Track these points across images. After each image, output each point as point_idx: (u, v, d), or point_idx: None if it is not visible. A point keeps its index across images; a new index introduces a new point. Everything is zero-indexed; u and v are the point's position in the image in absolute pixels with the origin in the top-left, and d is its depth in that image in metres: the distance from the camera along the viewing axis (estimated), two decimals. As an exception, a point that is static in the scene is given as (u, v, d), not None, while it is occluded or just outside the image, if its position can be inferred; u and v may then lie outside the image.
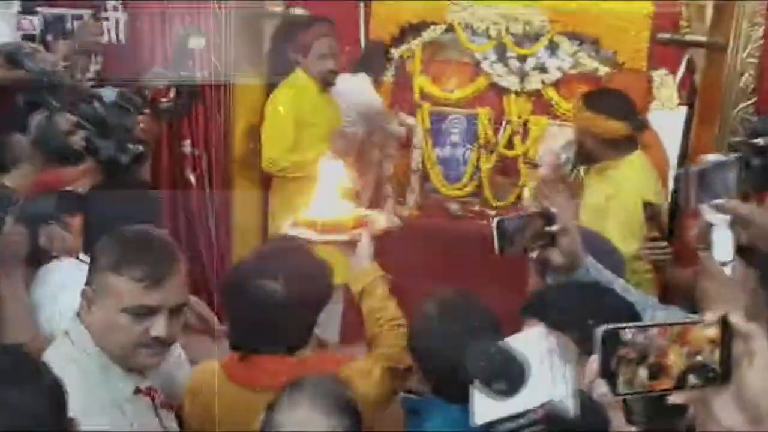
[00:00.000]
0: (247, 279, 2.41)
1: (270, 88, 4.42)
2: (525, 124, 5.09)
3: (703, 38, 3.90)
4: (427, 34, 5.05)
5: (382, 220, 2.79)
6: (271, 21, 4.35)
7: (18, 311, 2.50)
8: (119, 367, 2.12)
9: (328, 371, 2.30)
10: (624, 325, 1.30)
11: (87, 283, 2.11)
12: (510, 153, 5.12)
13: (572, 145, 4.91)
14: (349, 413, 1.99)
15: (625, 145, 3.54)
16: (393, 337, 2.52)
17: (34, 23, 4.07)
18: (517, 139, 5.11)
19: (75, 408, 1.93)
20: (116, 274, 2.04)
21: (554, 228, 2.11)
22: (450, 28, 5.01)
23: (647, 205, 3.47)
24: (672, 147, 4.34)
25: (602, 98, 3.68)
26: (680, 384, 1.26)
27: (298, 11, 4.37)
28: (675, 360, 1.29)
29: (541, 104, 5.05)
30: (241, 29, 4.11)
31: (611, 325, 1.29)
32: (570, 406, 1.30)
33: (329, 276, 2.53)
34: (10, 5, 3.82)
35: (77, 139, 2.71)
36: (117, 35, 4.12)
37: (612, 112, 3.52)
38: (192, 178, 4.24)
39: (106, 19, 4.13)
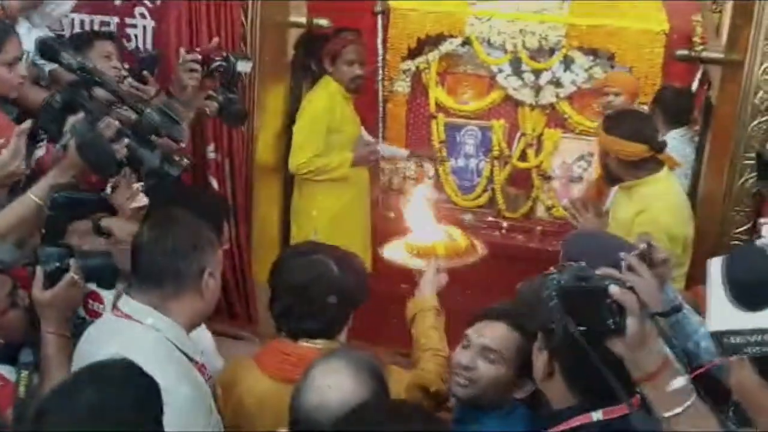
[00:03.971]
0: (308, 252, 2.60)
1: (293, 94, 4.53)
2: (539, 136, 5.15)
3: (719, 55, 3.97)
4: (444, 47, 5.11)
5: (475, 252, 3.10)
6: (295, 30, 4.41)
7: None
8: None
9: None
10: None
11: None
12: (523, 165, 5.19)
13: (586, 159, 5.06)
14: (378, 378, 2.08)
15: (649, 165, 3.58)
16: (431, 363, 2.66)
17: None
18: (530, 152, 5.18)
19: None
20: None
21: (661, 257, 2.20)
22: (467, 41, 5.08)
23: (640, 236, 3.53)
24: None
25: (622, 120, 3.68)
26: None
27: (322, 21, 4.44)
28: None
29: (554, 117, 5.13)
30: (266, 38, 4.17)
31: None
32: None
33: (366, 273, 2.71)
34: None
35: (120, 148, 2.53)
36: (144, 44, 4.21)
37: (631, 135, 3.54)
38: (214, 183, 4.30)
39: (134, 26, 4.21)
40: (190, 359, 2.34)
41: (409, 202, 3.43)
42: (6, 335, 2.55)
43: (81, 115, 2.56)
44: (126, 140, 2.55)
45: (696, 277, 3.45)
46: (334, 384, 2.03)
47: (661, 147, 3.59)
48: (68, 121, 2.57)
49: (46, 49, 2.71)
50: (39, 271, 2.40)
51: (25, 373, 2.44)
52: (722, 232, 3.89)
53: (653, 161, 3.57)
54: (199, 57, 3.35)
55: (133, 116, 2.66)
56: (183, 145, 2.77)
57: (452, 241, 3.23)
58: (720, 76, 3.99)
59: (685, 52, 4.17)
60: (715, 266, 1.41)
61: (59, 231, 2.55)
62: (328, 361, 2.09)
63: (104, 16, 4.23)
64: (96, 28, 4.19)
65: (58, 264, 2.38)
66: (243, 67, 3.38)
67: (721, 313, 1.27)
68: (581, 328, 1.79)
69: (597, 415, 2.03)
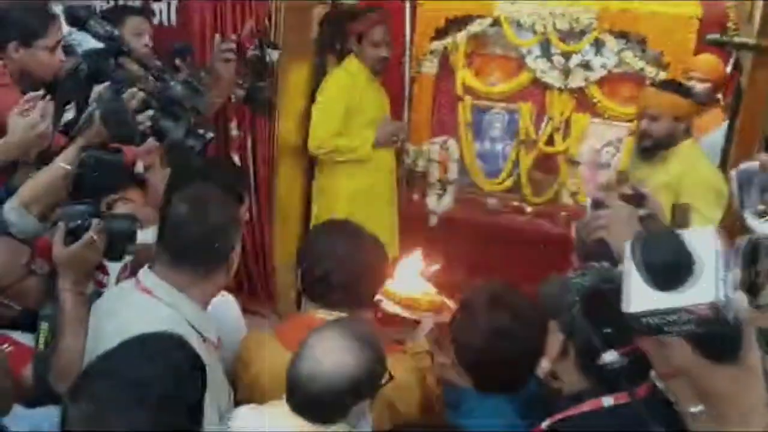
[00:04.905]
0: (338, 228, 2.78)
1: (317, 73, 4.50)
2: (567, 121, 5.07)
3: (751, 40, 3.87)
4: (473, 27, 5.04)
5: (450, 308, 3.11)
6: (320, 8, 4.38)
7: (73, 347, 2.43)
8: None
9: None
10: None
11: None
12: (550, 149, 5.11)
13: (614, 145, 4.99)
14: (373, 347, 2.15)
15: (687, 130, 4.00)
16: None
17: None
18: (558, 136, 5.09)
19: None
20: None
21: (643, 212, 2.19)
22: (496, 22, 5.00)
23: (676, 207, 3.55)
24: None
25: (674, 83, 4.15)
26: None
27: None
28: None
29: (583, 102, 5.03)
30: (290, 15, 4.15)
31: (753, 236, 1.30)
32: (731, 313, 1.27)
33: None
34: None
35: (144, 119, 2.58)
36: (168, 17, 4.20)
37: (688, 94, 4.01)
38: (236, 160, 4.30)
39: (159, 0, 4.20)
40: (204, 338, 2.35)
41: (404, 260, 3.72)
42: (22, 302, 2.62)
43: (106, 84, 2.59)
44: (150, 111, 2.57)
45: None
46: (328, 354, 2.09)
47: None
48: (94, 90, 2.61)
49: (75, 17, 2.74)
50: (61, 226, 2.42)
51: (45, 325, 2.51)
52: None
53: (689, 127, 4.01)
54: (234, 46, 3.35)
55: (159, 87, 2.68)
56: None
57: (432, 296, 3.40)
58: (751, 61, 3.90)
59: (715, 36, 4.08)
60: (628, 249, 1.41)
61: (86, 190, 2.58)
62: (323, 332, 2.16)
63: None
64: (121, 1, 4.18)
65: (80, 222, 2.41)
66: (271, 55, 3.39)
67: (638, 294, 1.30)
68: (607, 330, 1.79)
69: (608, 401, 2.01)
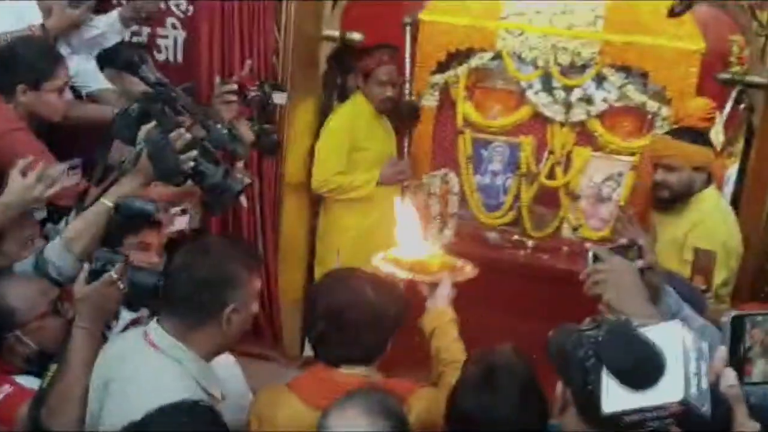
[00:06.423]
0: (343, 278, 2.64)
1: (324, 110, 4.47)
2: (568, 154, 5.04)
3: (763, 80, 3.90)
4: (474, 61, 5.01)
5: (468, 269, 2.91)
6: (327, 43, 4.36)
7: (73, 386, 2.44)
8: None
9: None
10: (752, 312, 1.32)
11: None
12: (551, 183, 5.08)
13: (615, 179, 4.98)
14: (395, 419, 2.09)
15: (706, 179, 3.82)
16: (454, 378, 2.57)
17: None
18: (558, 170, 5.06)
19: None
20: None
21: (641, 263, 2.17)
22: (497, 56, 4.98)
23: (698, 252, 3.53)
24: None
25: (688, 132, 3.93)
26: None
27: (355, 36, 4.38)
28: None
29: (584, 135, 5.01)
30: (298, 51, 4.12)
31: (739, 312, 1.31)
32: (705, 406, 1.27)
33: (405, 298, 2.70)
34: None
35: (186, 160, 2.65)
36: (175, 55, 4.15)
37: (706, 143, 3.84)
38: (243, 200, 4.23)
39: (165, 36, 4.15)
40: (209, 394, 2.37)
41: (400, 217, 3.30)
42: (39, 341, 2.67)
43: (153, 123, 2.66)
44: (193, 153, 2.65)
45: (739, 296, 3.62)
46: None
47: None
48: (141, 129, 2.67)
49: (128, 62, 2.87)
50: (86, 267, 2.46)
51: (54, 366, 2.51)
52: (763, 257, 3.85)
53: (708, 175, 3.81)
54: (236, 87, 3.38)
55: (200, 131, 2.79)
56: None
57: (444, 256, 3.15)
58: (763, 100, 3.92)
59: (726, 75, 4.10)
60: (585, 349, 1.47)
61: (118, 237, 2.72)
62: (342, 409, 2.10)
63: (135, 26, 4.17)
64: (127, 38, 4.13)
65: (104, 263, 2.45)
66: (279, 99, 3.42)
67: (612, 394, 1.32)
68: None
69: None
